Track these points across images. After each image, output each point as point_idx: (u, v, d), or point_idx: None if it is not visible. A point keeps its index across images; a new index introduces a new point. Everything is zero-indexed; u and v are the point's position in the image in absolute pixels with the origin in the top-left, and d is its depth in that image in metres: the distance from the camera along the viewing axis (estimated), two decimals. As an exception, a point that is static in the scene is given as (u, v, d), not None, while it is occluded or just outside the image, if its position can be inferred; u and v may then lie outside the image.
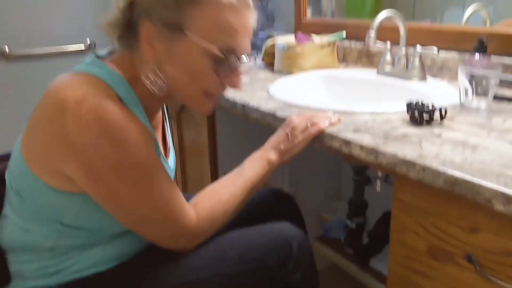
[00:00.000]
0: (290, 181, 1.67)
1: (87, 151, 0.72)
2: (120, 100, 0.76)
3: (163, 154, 0.93)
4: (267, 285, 0.89)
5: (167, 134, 1.01)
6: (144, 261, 0.88)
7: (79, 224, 0.81)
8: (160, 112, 0.98)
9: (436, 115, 0.91)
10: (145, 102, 0.83)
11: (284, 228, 0.93)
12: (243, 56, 0.82)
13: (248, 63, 0.84)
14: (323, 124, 0.93)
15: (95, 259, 0.84)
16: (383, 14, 1.22)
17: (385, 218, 1.41)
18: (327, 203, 1.74)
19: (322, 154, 1.67)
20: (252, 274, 0.88)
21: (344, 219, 1.50)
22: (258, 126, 1.16)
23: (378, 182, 1.30)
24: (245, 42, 0.81)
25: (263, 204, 1.11)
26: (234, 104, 1.20)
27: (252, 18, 0.82)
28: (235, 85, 0.84)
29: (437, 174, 0.70)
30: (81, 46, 2.08)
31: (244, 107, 1.16)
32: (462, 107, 1.01)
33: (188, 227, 0.83)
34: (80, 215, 0.80)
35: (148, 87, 0.80)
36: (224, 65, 0.80)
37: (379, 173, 1.29)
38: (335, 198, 1.79)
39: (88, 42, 2.10)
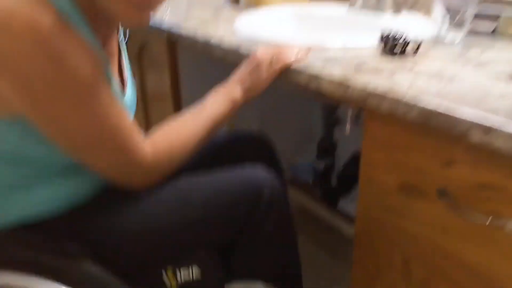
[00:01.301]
0: (259, 123, 1.61)
1: (20, 65, 0.63)
2: (60, 14, 0.67)
3: (120, 87, 0.85)
4: (235, 234, 0.84)
5: (124, 67, 0.92)
6: (99, 205, 0.81)
7: (20, 157, 0.73)
8: (115, 42, 0.89)
9: (410, 47, 0.86)
10: (93, 24, 0.74)
11: (254, 172, 0.87)
12: None
13: None
14: (290, 58, 0.86)
15: (42, 202, 0.77)
16: None
17: (354, 159, 1.38)
18: (297, 145, 1.70)
19: (292, 94, 1.62)
20: (218, 222, 0.83)
21: (313, 161, 1.47)
22: (225, 67, 1.08)
23: (348, 123, 1.26)
24: None
25: (236, 148, 1.04)
26: (195, 40, 1.12)
27: None
28: None
29: (411, 105, 0.66)
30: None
31: (206, 43, 1.08)
32: (437, 40, 0.97)
33: (143, 160, 0.76)
34: (21, 146, 0.72)
35: None
36: None
37: (349, 113, 1.25)
38: (305, 140, 1.76)
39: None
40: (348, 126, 1.25)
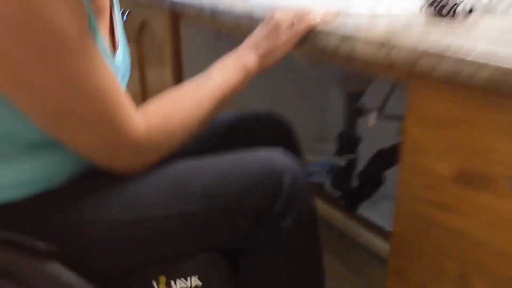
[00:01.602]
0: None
1: None
2: None
3: (110, 49, 0.70)
4: (245, 234, 0.68)
5: (116, 26, 0.77)
6: (75, 192, 0.66)
7: None
8: None
9: (461, 10, 0.71)
10: None
11: (272, 156, 0.69)
12: None
13: None
14: (315, 19, 0.71)
15: (8, 181, 0.62)
16: None
17: (379, 157, 1.22)
18: (311, 143, 1.55)
19: (306, 86, 1.47)
20: (224, 218, 0.66)
21: (329, 161, 1.32)
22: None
23: (374, 114, 1.10)
24: None
25: (246, 129, 0.88)
26: (201, 9, 0.97)
27: None
28: None
29: (480, 64, 0.50)
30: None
31: (213, 12, 0.93)
32: (488, 9, 0.82)
33: (134, 135, 0.61)
34: None
35: None
36: None
37: (374, 103, 1.10)
38: (320, 138, 1.60)
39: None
40: (373, 117, 1.10)
